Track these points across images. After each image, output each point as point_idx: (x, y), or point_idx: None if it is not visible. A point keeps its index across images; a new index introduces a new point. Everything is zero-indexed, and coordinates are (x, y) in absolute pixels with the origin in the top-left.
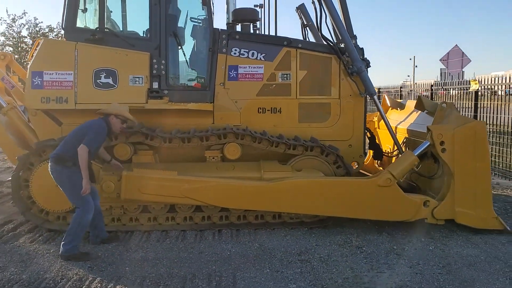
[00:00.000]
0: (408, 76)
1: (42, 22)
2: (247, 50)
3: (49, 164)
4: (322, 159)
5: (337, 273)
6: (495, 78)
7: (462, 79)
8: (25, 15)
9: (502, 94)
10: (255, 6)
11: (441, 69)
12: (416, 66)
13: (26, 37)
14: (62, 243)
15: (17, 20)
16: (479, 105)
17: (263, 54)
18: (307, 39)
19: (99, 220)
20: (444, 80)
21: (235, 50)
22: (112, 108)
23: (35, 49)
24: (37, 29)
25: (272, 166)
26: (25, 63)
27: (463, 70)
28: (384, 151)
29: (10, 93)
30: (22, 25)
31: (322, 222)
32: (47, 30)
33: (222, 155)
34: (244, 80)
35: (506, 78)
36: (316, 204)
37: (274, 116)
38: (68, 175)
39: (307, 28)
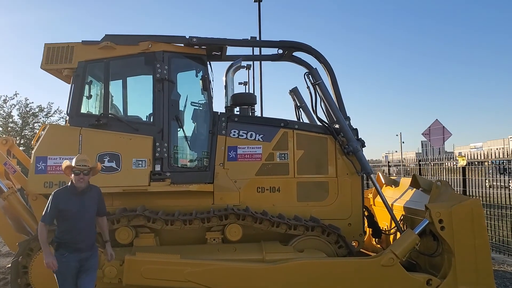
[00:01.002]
0: (396, 151)
1: (32, 102)
2: (246, 132)
3: None
4: (323, 239)
5: None
6: (473, 149)
7: (443, 152)
8: (16, 96)
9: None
10: (240, 83)
11: (422, 141)
12: (403, 142)
13: (14, 116)
14: None
15: (8, 101)
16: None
17: (261, 135)
18: (301, 120)
19: None
20: (426, 154)
21: (234, 131)
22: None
23: (40, 134)
24: (27, 109)
25: (273, 247)
26: None
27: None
28: (382, 228)
29: (9, 176)
30: (13, 106)
31: None
32: (37, 110)
33: (223, 236)
34: (243, 160)
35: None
36: (321, 285)
37: (273, 195)
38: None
39: (301, 109)
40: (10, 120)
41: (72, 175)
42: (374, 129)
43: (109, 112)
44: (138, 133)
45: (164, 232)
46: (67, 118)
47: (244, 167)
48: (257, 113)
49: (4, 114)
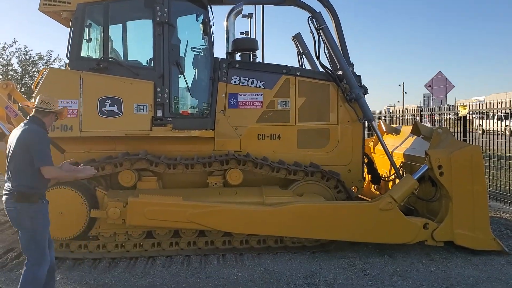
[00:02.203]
0: (398, 101)
1: (32, 50)
2: (247, 78)
3: (6, 201)
4: (322, 184)
5: None
6: (475, 103)
7: (445, 104)
8: (15, 43)
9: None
10: (241, 33)
11: (424, 94)
12: (405, 92)
13: (13, 64)
14: None
15: (7, 48)
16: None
17: (263, 82)
18: (304, 67)
19: (52, 277)
20: (427, 105)
21: (235, 78)
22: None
23: (40, 78)
24: (27, 56)
25: (273, 191)
26: None
27: (446, 95)
28: (381, 175)
29: (11, 121)
30: (12, 53)
31: (324, 246)
32: (36, 57)
33: (224, 181)
34: (244, 108)
35: (487, 103)
36: (319, 228)
37: (274, 142)
38: (31, 214)
39: (303, 56)
40: (10, 68)
41: (54, 117)
42: (376, 81)
43: (109, 56)
44: (138, 78)
45: (166, 176)
46: (67, 62)
47: (245, 114)
48: (259, 60)
49: (4, 62)
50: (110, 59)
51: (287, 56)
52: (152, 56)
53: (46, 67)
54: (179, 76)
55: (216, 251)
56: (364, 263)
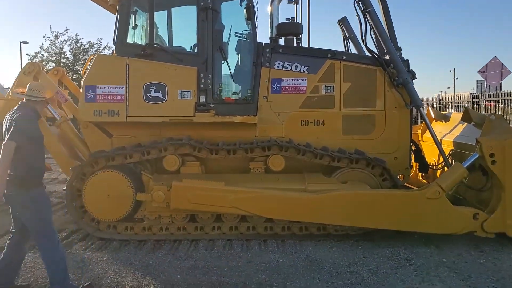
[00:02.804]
0: (449, 88)
1: (83, 38)
2: (291, 63)
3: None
4: (367, 171)
5: (388, 285)
6: None
7: (500, 90)
8: (67, 32)
9: None
10: (287, 19)
11: (477, 81)
12: (456, 78)
13: (66, 52)
14: None
15: (59, 36)
16: None
17: (307, 67)
18: (349, 51)
19: (18, 264)
20: (480, 92)
21: (279, 63)
22: (43, 92)
23: (88, 64)
24: (78, 45)
25: (316, 178)
26: None
27: (502, 82)
28: (429, 163)
29: (61, 106)
30: (64, 42)
31: (368, 235)
32: (87, 45)
33: (266, 167)
34: (287, 93)
35: None
36: (363, 217)
37: (317, 128)
38: (34, 199)
39: (349, 40)
40: (62, 56)
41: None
42: (426, 67)
43: (155, 42)
44: (182, 64)
45: (209, 161)
46: (114, 49)
47: (288, 100)
48: (304, 44)
49: (56, 50)
50: (155, 45)
51: (332, 41)
52: (196, 42)
53: (94, 53)
54: (222, 62)
55: (258, 237)
56: (409, 253)
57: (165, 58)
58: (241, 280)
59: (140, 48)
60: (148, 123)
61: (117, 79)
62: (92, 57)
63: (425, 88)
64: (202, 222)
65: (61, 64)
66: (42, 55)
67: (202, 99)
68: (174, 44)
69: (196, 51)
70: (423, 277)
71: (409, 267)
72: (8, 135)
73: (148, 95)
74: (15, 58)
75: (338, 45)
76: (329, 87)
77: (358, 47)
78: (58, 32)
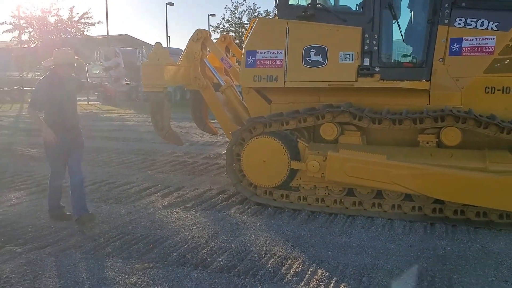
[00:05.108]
0: None
1: (260, 7)
2: (475, 20)
3: None
4: None
5: None
6: None
7: None
8: (245, 2)
9: None
10: None
11: None
12: None
13: (246, 23)
14: None
15: (239, 7)
16: None
17: (496, 23)
18: None
19: (77, 195)
20: None
21: (460, 20)
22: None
23: (250, 29)
24: (255, 14)
25: (501, 157)
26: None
27: None
28: None
29: (228, 72)
30: (243, 11)
31: None
32: (264, 14)
33: (438, 140)
34: (469, 55)
35: None
36: None
37: (507, 97)
38: (44, 140)
39: None
40: (241, 26)
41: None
42: None
43: (317, 2)
44: (346, 24)
45: (370, 131)
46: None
47: (470, 62)
48: None
49: (236, 20)
50: (317, 6)
51: None
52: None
53: (256, 17)
54: (392, 21)
55: (424, 219)
56: None
57: (327, 19)
58: (398, 266)
59: (302, 9)
60: (306, 88)
61: (276, 43)
62: (254, 21)
63: None
64: (361, 197)
65: (240, 34)
66: (223, 25)
67: (366, 62)
68: (340, 4)
69: (362, 9)
70: None
71: None
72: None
73: (307, 59)
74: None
75: None
76: None
77: None
78: (237, 2)
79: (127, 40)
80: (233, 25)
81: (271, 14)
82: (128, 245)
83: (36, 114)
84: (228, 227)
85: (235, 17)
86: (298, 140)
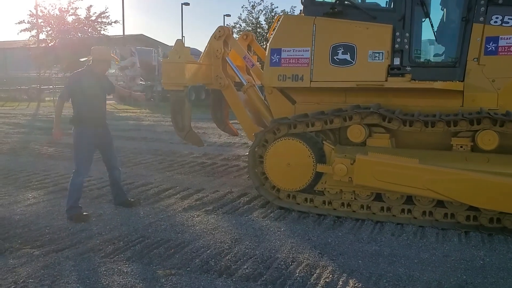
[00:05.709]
0: None
1: (277, 7)
2: None
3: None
4: None
5: None
6: None
7: None
8: (263, 1)
9: None
10: None
11: None
12: None
13: (262, 22)
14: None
15: (256, 6)
16: None
17: None
18: None
19: (117, 189)
20: None
21: (497, 17)
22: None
23: (275, 26)
24: (273, 14)
25: None
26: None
27: None
28: None
29: (249, 72)
30: (260, 11)
31: None
32: (281, 15)
33: (473, 144)
34: (507, 54)
35: None
36: None
37: None
38: (74, 135)
39: None
40: (258, 25)
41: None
42: None
43: None
44: (376, 22)
45: (401, 133)
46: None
47: (507, 62)
48: None
49: (253, 20)
50: (345, 2)
51: None
52: None
53: (281, 14)
54: (424, 18)
55: (457, 227)
56: None
57: (356, 16)
58: (435, 278)
59: (329, 5)
60: (332, 89)
61: (302, 41)
62: (279, 17)
63: None
64: (390, 202)
65: (256, 33)
66: (240, 25)
67: (397, 61)
68: (368, 0)
69: (392, 6)
70: None
71: None
72: None
73: (334, 57)
74: None
75: None
76: None
77: None
78: (254, 2)
79: (142, 40)
80: (250, 25)
81: (288, 13)
82: (148, 250)
83: (60, 107)
84: (251, 232)
85: (252, 17)
86: (324, 142)
